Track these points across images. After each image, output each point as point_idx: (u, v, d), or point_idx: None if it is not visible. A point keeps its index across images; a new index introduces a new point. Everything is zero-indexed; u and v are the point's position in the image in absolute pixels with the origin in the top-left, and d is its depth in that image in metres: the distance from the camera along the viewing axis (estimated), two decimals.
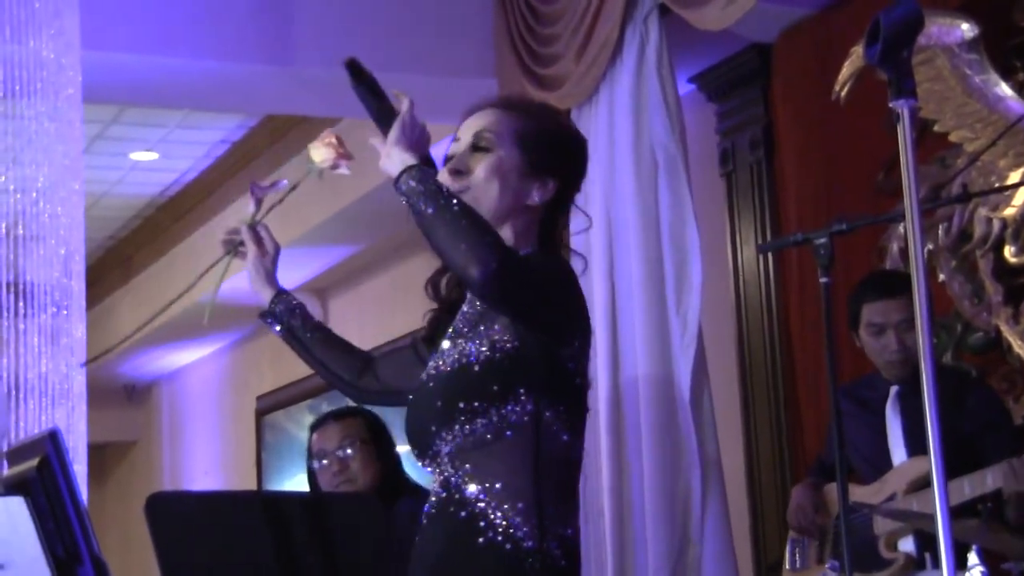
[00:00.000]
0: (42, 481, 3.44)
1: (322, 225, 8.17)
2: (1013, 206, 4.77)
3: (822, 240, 3.52)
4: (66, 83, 5.16)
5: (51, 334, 5.13)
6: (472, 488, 2.62)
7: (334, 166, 3.01)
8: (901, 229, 4.98)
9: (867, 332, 4.29)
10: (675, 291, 5.15)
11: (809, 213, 5.53)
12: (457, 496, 2.64)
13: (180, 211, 9.81)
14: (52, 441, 3.57)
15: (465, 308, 2.77)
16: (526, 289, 2.62)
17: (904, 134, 2.28)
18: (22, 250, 5.08)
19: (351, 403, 3.95)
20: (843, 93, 5.12)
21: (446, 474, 2.66)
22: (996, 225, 4.85)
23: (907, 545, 4.17)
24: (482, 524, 2.59)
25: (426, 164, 2.67)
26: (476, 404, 2.62)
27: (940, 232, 4.99)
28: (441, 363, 2.71)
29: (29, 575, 3.28)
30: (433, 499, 2.69)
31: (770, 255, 5.80)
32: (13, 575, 3.34)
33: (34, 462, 3.50)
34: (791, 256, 5.65)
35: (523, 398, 2.62)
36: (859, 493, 4.11)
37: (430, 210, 2.58)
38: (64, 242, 5.18)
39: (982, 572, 3.31)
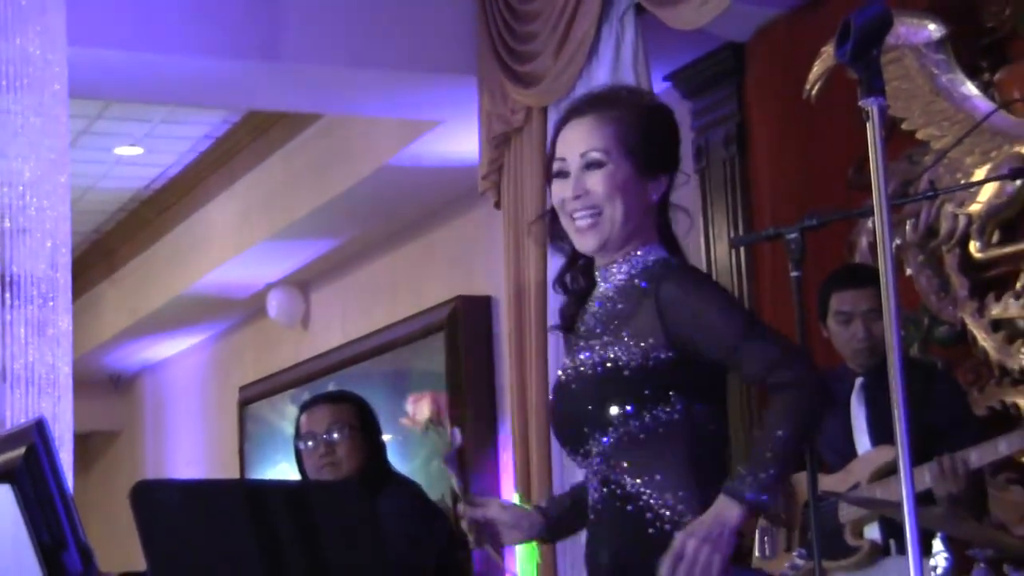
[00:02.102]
0: (28, 469, 3.43)
1: (305, 218, 8.17)
2: (979, 203, 4.78)
3: (793, 235, 3.52)
4: (52, 79, 5.15)
5: (37, 325, 5.12)
6: (633, 483, 2.65)
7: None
8: (870, 224, 4.99)
9: (835, 321, 4.30)
10: None
11: (781, 208, 5.55)
12: (619, 492, 2.66)
13: (164, 205, 9.80)
14: (38, 430, 3.56)
15: (596, 306, 2.77)
16: (781, 341, 2.68)
17: (873, 132, 2.29)
18: (9, 243, 5.07)
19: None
20: (814, 91, 5.13)
21: (603, 473, 2.69)
22: (962, 221, 4.87)
23: (872, 532, 4.17)
24: (649, 516, 2.62)
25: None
26: (628, 408, 2.64)
27: (908, 227, 5.00)
28: (581, 365, 2.72)
29: (16, 560, 3.28)
30: (596, 495, 2.72)
31: (743, 249, 5.81)
32: (3, 559, 3.35)
33: (20, 450, 3.50)
34: (763, 250, 5.67)
35: (673, 399, 2.65)
36: (825, 482, 4.12)
37: (791, 455, 2.63)
38: (50, 235, 5.17)
39: (947, 559, 3.32)
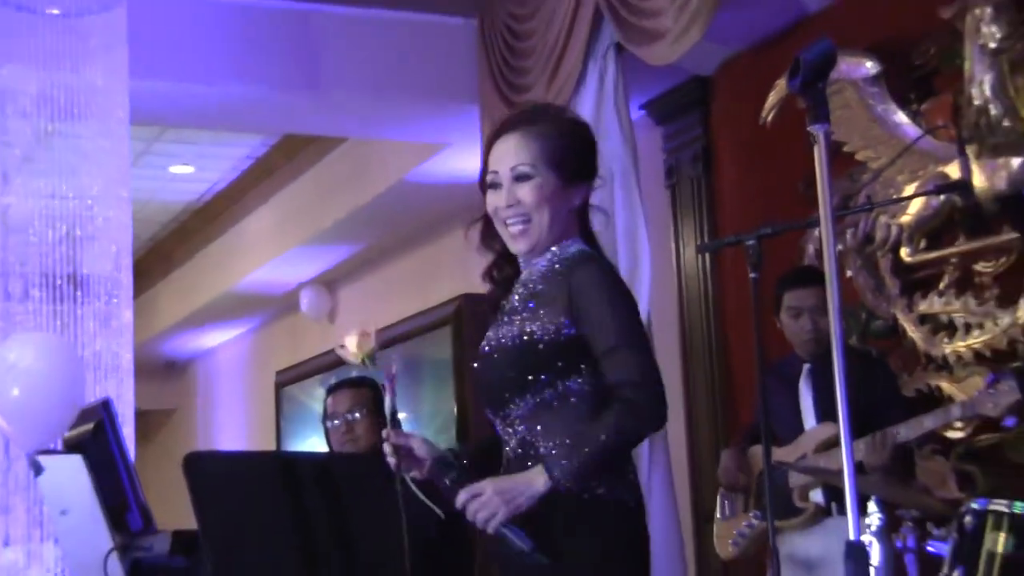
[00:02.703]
0: (96, 442, 3.44)
1: (331, 227, 8.18)
2: (908, 214, 4.79)
3: (751, 242, 3.51)
4: (115, 107, 5.15)
5: (104, 318, 5.13)
6: (545, 445, 2.60)
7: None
8: (817, 233, 4.98)
9: (787, 315, 4.30)
10: (628, 284, 5.15)
11: (741, 219, 5.54)
12: (532, 452, 2.62)
13: (211, 215, 9.80)
14: (105, 408, 3.57)
15: (520, 289, 2.73)
16: (648, 372, 2.61)
17: (819, 153, 2.28)
18: (80, 248, 5.08)
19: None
20: (769, 118, 5.13)
21: (520, 433, 2.65)
22: (894, 230, 4.87)
23: (817, 496, 4.17)
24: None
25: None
26: (544, 377, 2.60)
27: (849, 235, 5.01)
28: (502, 337, 2.68)
29: (87, 520, 3.28)
30: (510, 453, 2.68)
31: (708, 254, 5.81)
32: (74, 519, 3.35)
33: (90, 426, 3.51)
34: (726, 255, 5.67)
35: (584, 371, 2.61)
36: (777, 453, 4.12)
37: (603, 458, 2.56)
38: (114, 241, 5.18)
39: (880, 518, 3.32)
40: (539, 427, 2.61)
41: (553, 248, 2.70)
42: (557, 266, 2.68)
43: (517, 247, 2.71)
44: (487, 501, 2.52)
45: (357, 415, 4.42)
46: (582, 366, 2.60)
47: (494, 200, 2.70)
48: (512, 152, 2.68)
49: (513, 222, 2.67)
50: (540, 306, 2.64)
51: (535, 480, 2.52)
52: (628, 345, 2.59)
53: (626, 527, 2.60)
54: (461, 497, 2.55)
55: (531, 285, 2.70)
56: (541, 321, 2.62)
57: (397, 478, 2.67)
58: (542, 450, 2.60)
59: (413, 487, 2.67)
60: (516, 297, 2.72)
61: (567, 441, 2.55)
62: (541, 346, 2.60)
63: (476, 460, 2.81)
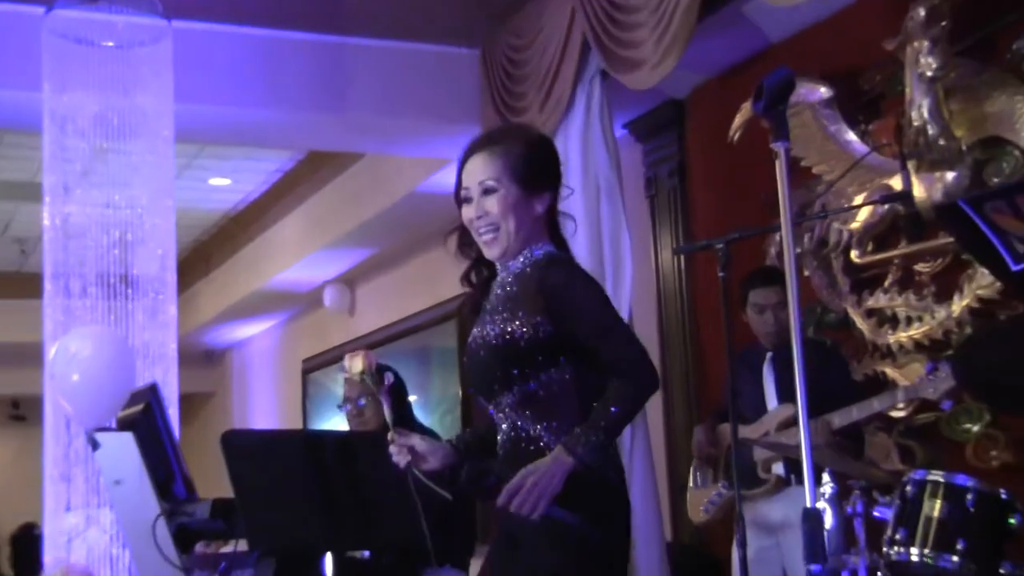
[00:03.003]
0: (145, 421, 3.44)
1: (351, 232, 8.16)
2: (857, 221, 4.80)
3: (721, 245, 3.52)
4: (161, 128, 5.14)
5: (151, 313, 5.12)
6: (535, 427, 2.59)
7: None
8: (778, 237, 5.00)
9: (752, 311, 4.31)
10: (613, 282, 5.15)
11: (712, 225, 5.56)
12: (524, 435, 2.60)
13: (245, 222, 9.79)
14: (152, 392, 3.58)
15: (497, 290, 2.70)
16: (634, 344, 2.60)
17: (780, 167, 2.30)
18: (130, 252, 5.07)
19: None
20: (736, 136, 5.13)
21: (512, 419, 2.63)
22: (845, 235, 4.88)
23: (778, 468, 4.18)
24: (545, 451, 2.55)
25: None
26: (527, 371, 2.58)
27: (806, 239, 5.01)
28: (487, 334, 2.65)
29: (138, 489, 3.29)
30: (504, 437, 2.65)
31: (683, 256, 5.81)
32: (127, 488, 3.35)
33: (140, 407, 3.51)
34: (699, 257, 5.68)
35: (564, 364, 2.59)
36: (743, 431, 4.12)
37: (618, 428, 2.57)
38: (160, 245, 5.17)
39: (832, 487, 3.33)
40: (528, 412, 2.61)
41: (525, 252, 2.68)
42: (528, 269, 2.65)
43: (490, 253, 2.69)
44: (528, 493, 2.49)
45: (363, 402, 4.45)
46: (561, 359, 2.58)
47: (467, 212, 2.69)
48: (479, 169, 2.67)
49: (484, 231, 2.66)
50: (517, 307, 2.62)
51: (563, 461, 2.49)
52: (613, 328, 2.59)
53: (610, 500, 2.59)
54: (503, 498, 2.51)
55: (507, 287, 2.68)
56: (519, 321, 2.59)
57: (408, 473, 2.66)
58: (532, 432, 2.59)
59: (422, 477, 2.66)
60: (495, 297, 2.70)
61: (582, 421, 2.52)
62: (522, 343, 2.58)
63: (474, 446, 2.80)
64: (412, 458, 2.66)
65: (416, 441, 2.67)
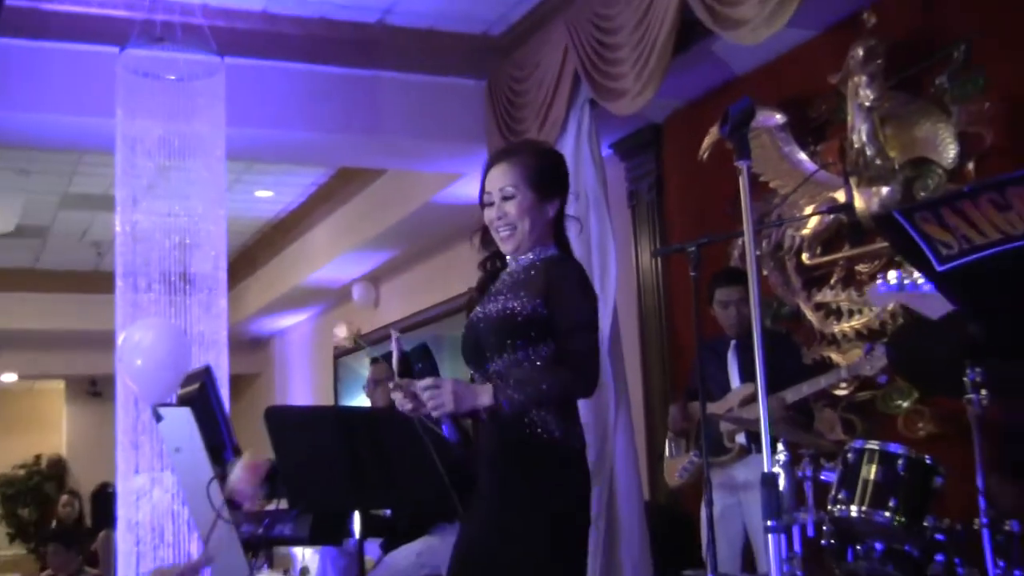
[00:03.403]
0: (201, 398, 3.44)
1: (376, 236, 8.15)
2: (808, 228, 4.80)
3: (692, 248, 3.52)
4: (215, 148, 5.14)
5: (206, 306, 5.12)
6: None
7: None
8: (741, 242, 5.01)
9: (718, 306, 4.31)
10: (600, 281, 5.15)
11: (684, 231, 5.56)
12: None
13: (286, 228, 9.79)
14: (207, 373, 3.57)
15: (505, 277, 2.68)
16: (594, 353, 2.54)
17: (743, 182, 2.30)
18: (188, 254, 5.07)
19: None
20: (705, 155, 5.14)
21: (495, 382, 2.55)
22: (798, 240, 4.88)
23: (740, 439, 4.19)
24: (526, 421, 2.51)
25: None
26: (519, 342, 2.54)
27: (765, 244, 5.01)
28: (488, 311, 2.62)
29: (195, 456, 3.29)
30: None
31: (660, 258, 5.82)
32: (185, 455, 3.35)
33: (196, 385, 3.51)
34: (674, 259, 5.68)
35: (549, 342, 2.54)
36: (711, 407, 4.13)
37: (540, 400, 2.49)
38: (213, 248, 5.16)
39: (786, 455, 3.34)
40: (511, 381, 2.54)
41: (534, 250, 2.66)
42: (538, 263, 2.64)
43: (506, 248, 2.68)
44: (443, 394, 2.45)
45: (389, 383, 4.45)
46: (549, 339, 2.55)
47: (489, 214, 2.68)
48: (500, 177, 2.66)
49: (503, 230, 2.65)
50: (520, 289, 2.59)
51: (483, 395, 2.45)
52: (583, 329, 2.55)
53: (573, 464, 2.55)
54: (425, 382, 2.46)
55: (515, 275, 2.66)
56: (521, 301, 2.57)
57: (415, 419, 2.62)
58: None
59: (427, 422, 2.62)
60: (501, 283, 2.68)
61: (520, 378, 2.49)
62: (520, 319, 2.55)
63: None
64: (415, 404, 2.58)
65: (419, 388, 2.55)
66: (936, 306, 2.77)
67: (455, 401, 2.45)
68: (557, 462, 2.51)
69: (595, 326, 2.60)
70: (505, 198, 2.65)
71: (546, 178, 2.68)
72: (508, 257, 2.73)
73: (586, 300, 2.59)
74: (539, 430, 2.50)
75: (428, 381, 2.48)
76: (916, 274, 2.75)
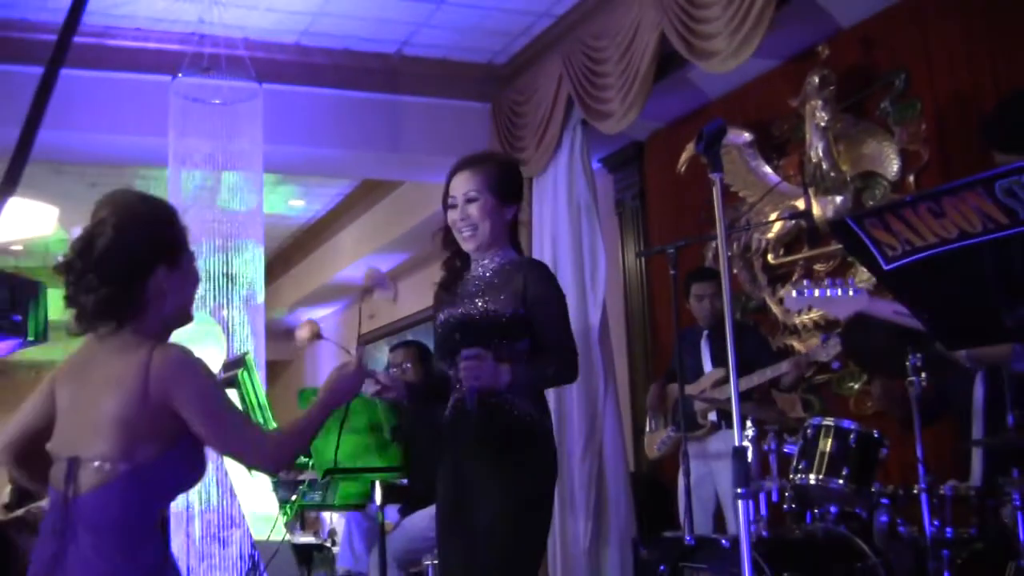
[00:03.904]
0: (242, 380, 3.45)
1: (394, 240, 8.15)
2: (772, 232, 4.81)
3: (671, 250, 3.54)
4: (254, 163, 5.14)
5: (246, 300, 5.14)
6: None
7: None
8: (714, 244, 5.02)
9: (694, 300, 4.32)
10: (591, 279, 5.15)
11: (665, 235, 5.56)
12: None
13: (316, 233, 9.78)
14: (246, 358, 3.59)
15: (475, 280, 2.61)
16: (574, 344, 2.53)
17: (716, 192, 2.31)
18: (231, 254, 5.09)
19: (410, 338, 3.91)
20: (683, 169, 5.15)
21: None
22: (763, 242, 4.89)
23: (712, 416, 4.19)
24: (507, 406, 2.49)
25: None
26: (504, 341, 2.50)
27: (735, 246, 5.03)
28: (468, 312, 2.54)
29: None
30: (461, 385, 2.51)
31: (643, 259, 5.82)
32: None
33: (238, 369, 3.52)
34: (655, 259, 5.68)
35: (528, 339, 2.53)
36: (687, 388, 4.15)
37: (543, 381, 2.51)
38: (253, 250, 5.18)
39: (753, 431, 3.35)
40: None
41: (499, 252, 2.60)
42: (507, 266, 2.58)
43: (467, 246, 2.62)
44: (484, 368, 2.39)
45: (408, 365, 4.44)
46: (525, 335, 2.52)
47: (452, 216, 2.63)
48: (464, 183, 2.61)
49: (465, 231, 2.60)
50: (499, 292, 2.53)
51: (502, 373, 2.42)
52: (564, 324, 2.55)
53: (545, 439, 2.52)
54: (472, 351, 2.40)
55: (488, 278, 2.59)
56: (501, 304, 2.52)
57: (373, 380, 2.56)
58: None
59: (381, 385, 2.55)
60: (473, 285, 2.60)
61: (529, 364, 2.46)
62: (504, 319, 2.50)
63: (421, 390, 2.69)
64: (379, 389, 2.55)
65: (462, 355, 2.45)
66: (839, 309, 2.81)
67: (488, 375, 2.39)
68: (535, 438, 2.50)
69: (568, 319, 2.58)
70: (468, 201, 2.59)
71: (505, 185, 2.62)
72: (473, 260, 2.65)
73: (562, 298, 2.58)
74: (518, 412, 2.48)
75: (474, 351, 2.40)
76: (825, 281, 2.81)
